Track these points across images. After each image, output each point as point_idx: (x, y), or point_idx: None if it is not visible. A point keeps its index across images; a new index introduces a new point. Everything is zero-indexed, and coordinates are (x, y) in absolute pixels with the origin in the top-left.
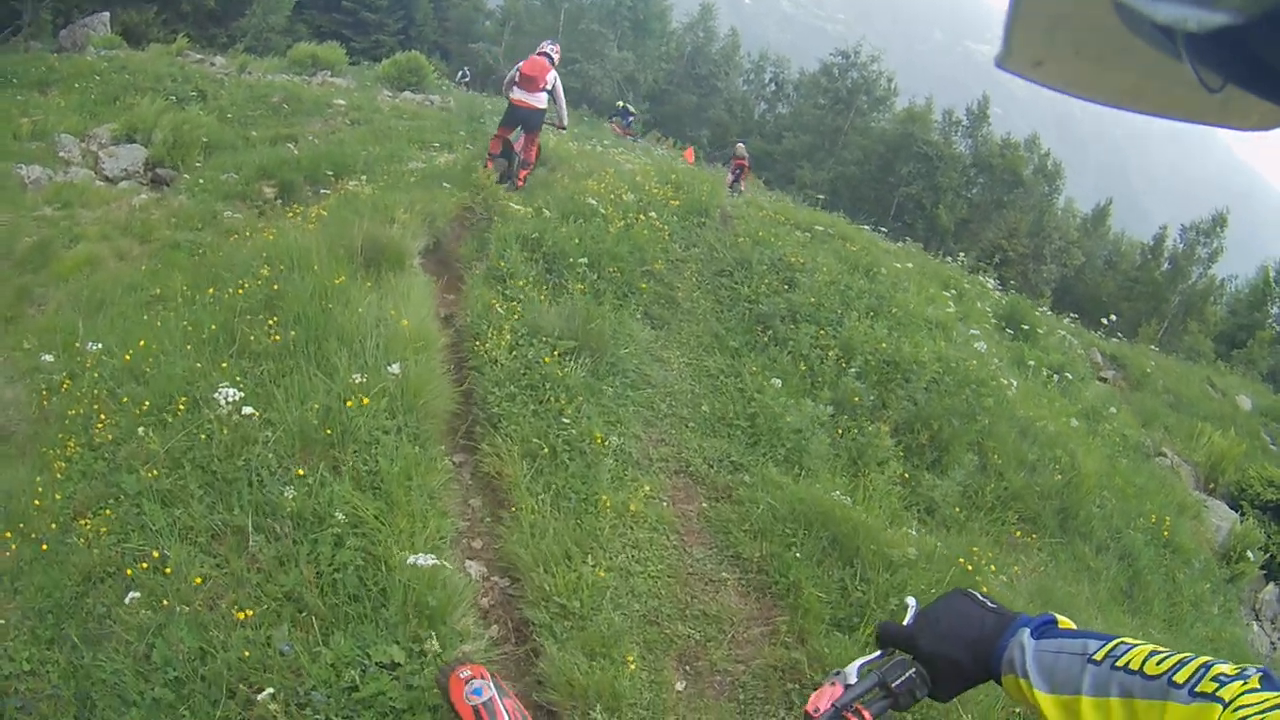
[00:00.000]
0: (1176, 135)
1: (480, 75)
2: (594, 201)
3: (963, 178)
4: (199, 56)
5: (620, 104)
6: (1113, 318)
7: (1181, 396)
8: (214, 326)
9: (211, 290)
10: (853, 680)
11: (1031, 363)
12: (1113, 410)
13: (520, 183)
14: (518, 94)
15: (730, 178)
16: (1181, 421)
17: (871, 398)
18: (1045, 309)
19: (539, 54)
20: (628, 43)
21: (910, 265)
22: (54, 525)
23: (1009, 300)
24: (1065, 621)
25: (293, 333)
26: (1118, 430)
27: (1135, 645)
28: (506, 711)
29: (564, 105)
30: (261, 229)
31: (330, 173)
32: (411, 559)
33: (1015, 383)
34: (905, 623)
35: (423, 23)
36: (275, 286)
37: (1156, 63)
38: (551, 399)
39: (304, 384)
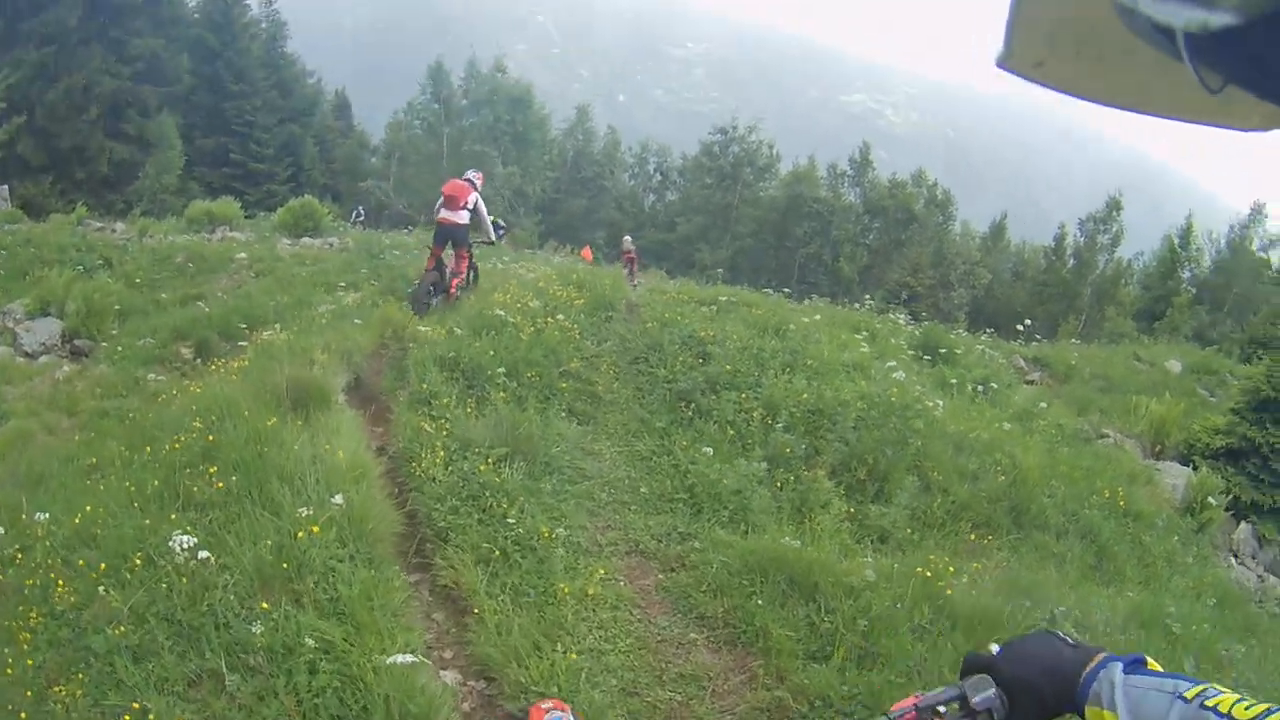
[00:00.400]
0: (1066, 134)
1: (374, 212)
2: (502, 313)
3: (857, 226)
4: (99, 224)
5: (491, 219)
6: (1028, 323)
7: (1111, 379)
8: (156, 483)
9: (148, 449)
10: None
11: (954, 381)
12: (1044, 406)
13: (453, 290)
14: (443, 214)
15: (625, 272)
16: (1116, 401)
17: (803, 446)
18: (961, 331)
19: (463, 179)
20: (511, 158)
21: (818, 318)
22: (29, 693)
23: (923, 330)
24: (1154, 664)
25: (234, 478)
26: (1052, 424)
27: (1225, 691)
28: None
29: (488, 221)
30: (187, 387)
31: (243, 325)
32: (391, 659)
33: (941, 403)
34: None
35: (310, 167)
36: (210, 438)
37: (1157, 63)
38: (494, 504)
39: (253, 525)
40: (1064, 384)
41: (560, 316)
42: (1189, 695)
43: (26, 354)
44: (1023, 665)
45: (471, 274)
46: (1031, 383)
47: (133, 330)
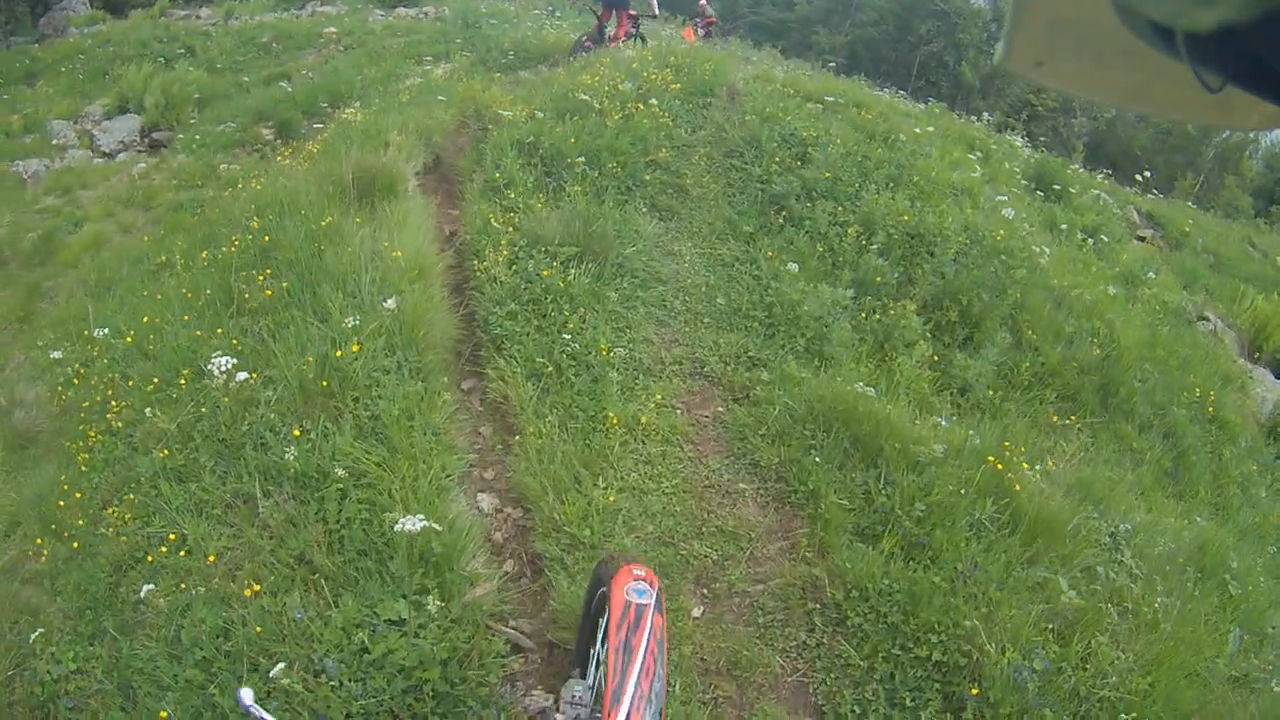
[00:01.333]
0: None
1: None
2: (587, 97)
3: (984, 33)
4: (183, 12)
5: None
6: (1148, 174)
7: (1221, 257)
8: (209, 290)
9: (205, 252)
10: None
11: (1064, 226)
12: (1152, 275)
13: (613, 43)
14: None
15: (701, 34)
16: (1223, 283)
17: (895, 275)
18: (1078, 166)
19: None
20: None
21: (931, 129)
22: (82, 521)
23: (1038, 159)
24: None
25: (284, 284)
26: (1158, 296)
27: None
28: (651, 627)
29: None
30: (255, 178)
31: (326, 103)
32: (400, 523)
33: (1048, 250)
34: None
35: None
36: (266, 238)
37: (1157, 63)
38: (554, 312)
39: (300, 335)
40: (1174, 249)
41: (653, 101)
42: None
43: (105, 154)
44: None
45: (636, 39)
46: (1143, 239)
47: (214, 116)
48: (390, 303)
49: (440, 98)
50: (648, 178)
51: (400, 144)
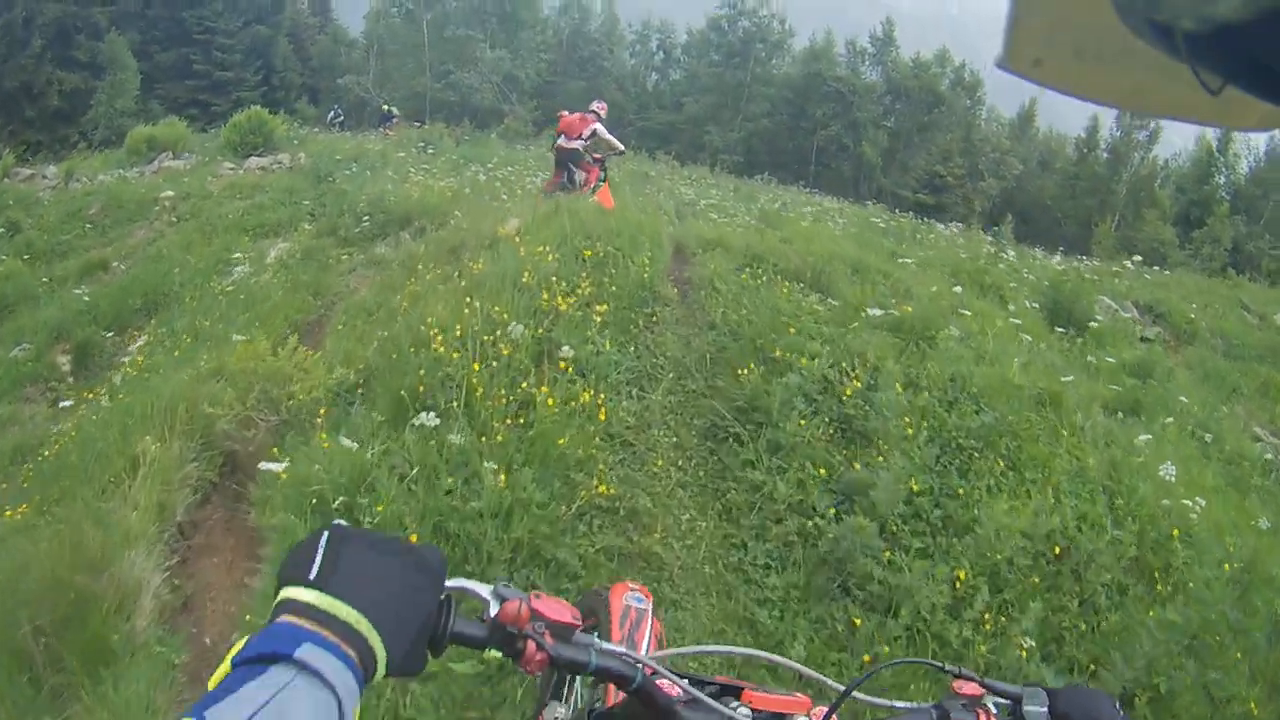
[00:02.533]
0: None
1: (354, 110)
2: (445, 367)
3: (879, 107)
4: (29, 171)
5: (385, 107)
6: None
7: (1229, 337)
8: None
9: None
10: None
11: (1106, 360)
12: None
13: (584, 190)
14: (560, 141)
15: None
16: (1247, 374)
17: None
18: (1006, 241)
19: (588, 111)
20: (500, 40)
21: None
22: None
23: (1051, 279)
24: None
25: None
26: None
27: None
28: (651, 628)
29: (613, 141)
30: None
31: (139, 306)
32: None
33: (1200, 501)
34: None
35: (284, 68)
36: None
37: (1157, 63)
38: None
39: None
40: (1186, 344)
41: (567, 350)
42: None
43: None
44: (1078, 707)
45: (602, 180)
46: (1149, 340)
47: (14, 330)
48: None
49: (237, 338)
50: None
51: (157, 465)
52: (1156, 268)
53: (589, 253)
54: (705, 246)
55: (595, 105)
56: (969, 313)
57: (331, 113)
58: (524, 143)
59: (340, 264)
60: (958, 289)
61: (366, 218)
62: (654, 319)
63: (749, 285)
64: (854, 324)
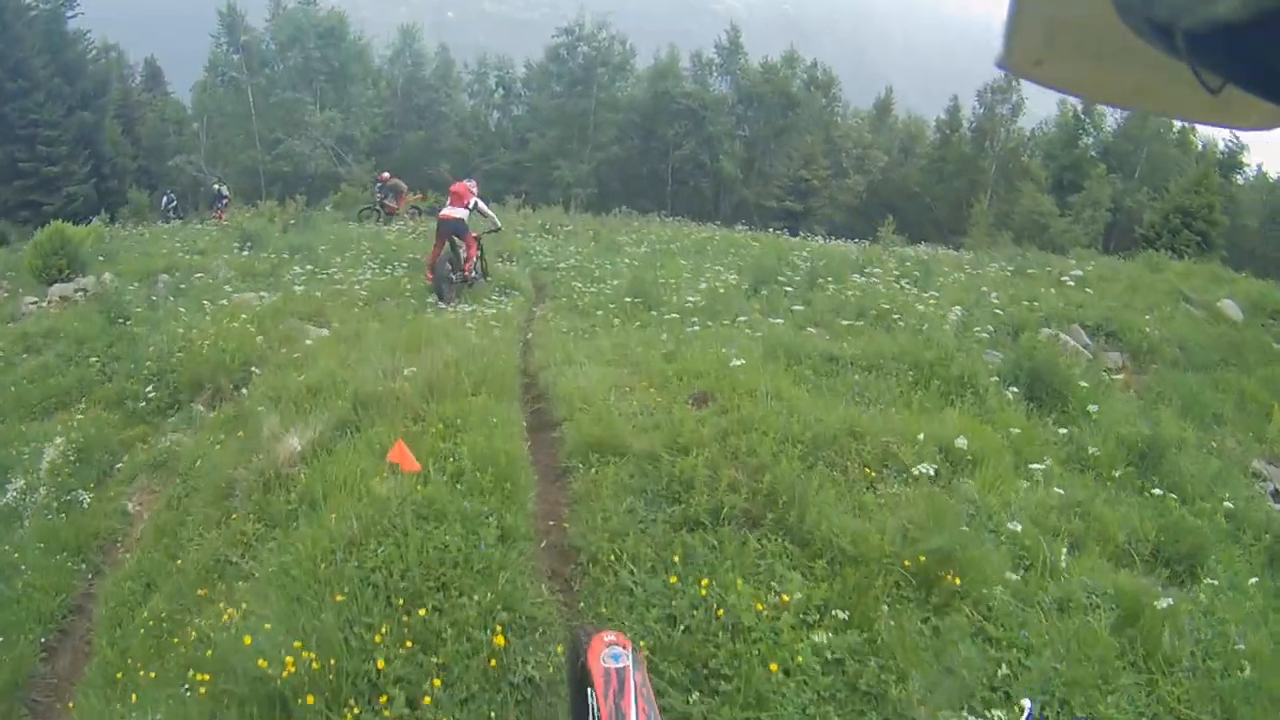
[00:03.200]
0: (903, 13)
1: (189, 192)
2: None
3: (731, 118)
4: None
5: (216, 186)
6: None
7: (1186, 344)
8: None
9: None
10: None
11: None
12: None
13: (467, 270)
14: (446, 210)
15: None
16: (1206, 385)
17: None
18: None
19: (462, 181)
20: (330, 100)
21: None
22: None
23: (1027, 360)
24: None
25: None
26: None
27: None
28: (635, 685)
29: (490, 214)
30: None
31: None
32: None
33: None
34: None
35: (114, 153)
36: None
37: (1157, 62)
38: None
39: None
40: (1149, 364)
41: None
42: None
43: None
44: None
45: (480, 259)
46: (1114, 372)
47: None
48: None
49: None
50: None
51: None
52: (1080, 272)
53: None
54: (589, 449)
55: (468, 182)
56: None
57: (165, 198)
58: (360, 207)
59: (120, 471)
60: (962, 442)
61: (152, 385)
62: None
63: (679, 590)
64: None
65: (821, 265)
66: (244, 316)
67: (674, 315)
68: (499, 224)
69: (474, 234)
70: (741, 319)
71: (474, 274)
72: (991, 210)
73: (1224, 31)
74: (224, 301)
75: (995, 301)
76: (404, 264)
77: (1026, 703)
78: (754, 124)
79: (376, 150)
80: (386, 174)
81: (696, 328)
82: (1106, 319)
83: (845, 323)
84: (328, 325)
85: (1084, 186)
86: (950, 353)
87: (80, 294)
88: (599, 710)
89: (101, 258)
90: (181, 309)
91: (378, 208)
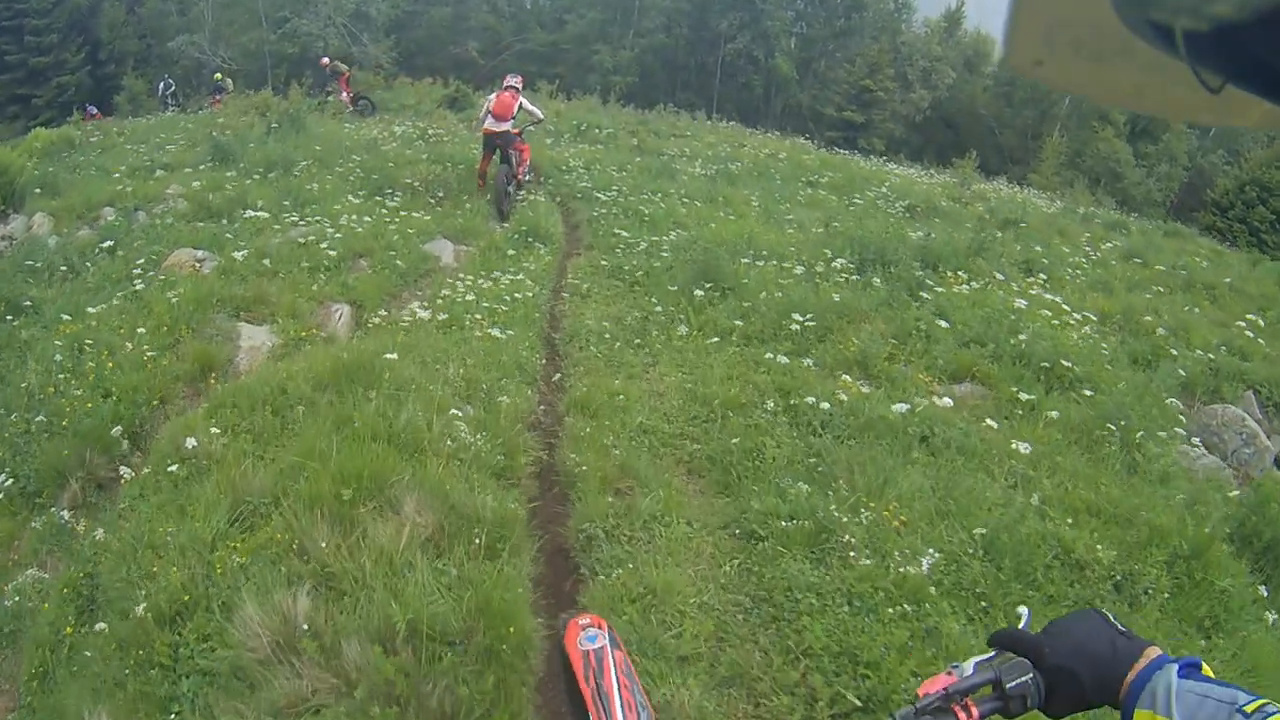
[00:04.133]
0: None
1: (189, 76)
2: None
3: (790, 13)
4: None
5: (216, 77)
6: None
7: None
8: None
9: None
10: (969, 673)
11: None
12: None
13: (520, 175)
14: (489, 124)
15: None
16: None
17: None
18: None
19: (505, 90)
20: None
21: None
22: None
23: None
24: (1208, 669)
25: None
26: None
27: None
28: (615, 664)
29: (536, 110)
30: None
31: None
32: None
33: None
34: (1022, 627)
35: (111, 39)
36: None
37: (1156, 62)
38: None
39: None
40: None
41: None
42: (1249, 709)
43: None
44: (1068, 652)
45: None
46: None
47: None
48: None
49: None
50: None
51: None
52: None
53: None
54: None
55: (514, 80)
56: None
57: (163, 85)
58: (371, 109)
59: None
60: None
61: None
62: None
63: None
64: None
65: (933, 241)
66: (151, 323)
67: (778, 352)
68: (541, 115)
69: (522, 140)
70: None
71: (526, 177)
72: (1062, 147)
73: (1224, 31)
74: (152, 273)
75: (1162, 336)
76: (399, 192)
77: (1023, 609)
78: (814, 21)
79: (396, 27)
80: (326, 59)
81: (811, 365)
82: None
83: (1025, 396)
84: (272, 322)
85: (1162, 139)
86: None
87: (5, 245)
88: (581, 694)
89: (39, 189)
90: (93, 283)
91: (333, 99)
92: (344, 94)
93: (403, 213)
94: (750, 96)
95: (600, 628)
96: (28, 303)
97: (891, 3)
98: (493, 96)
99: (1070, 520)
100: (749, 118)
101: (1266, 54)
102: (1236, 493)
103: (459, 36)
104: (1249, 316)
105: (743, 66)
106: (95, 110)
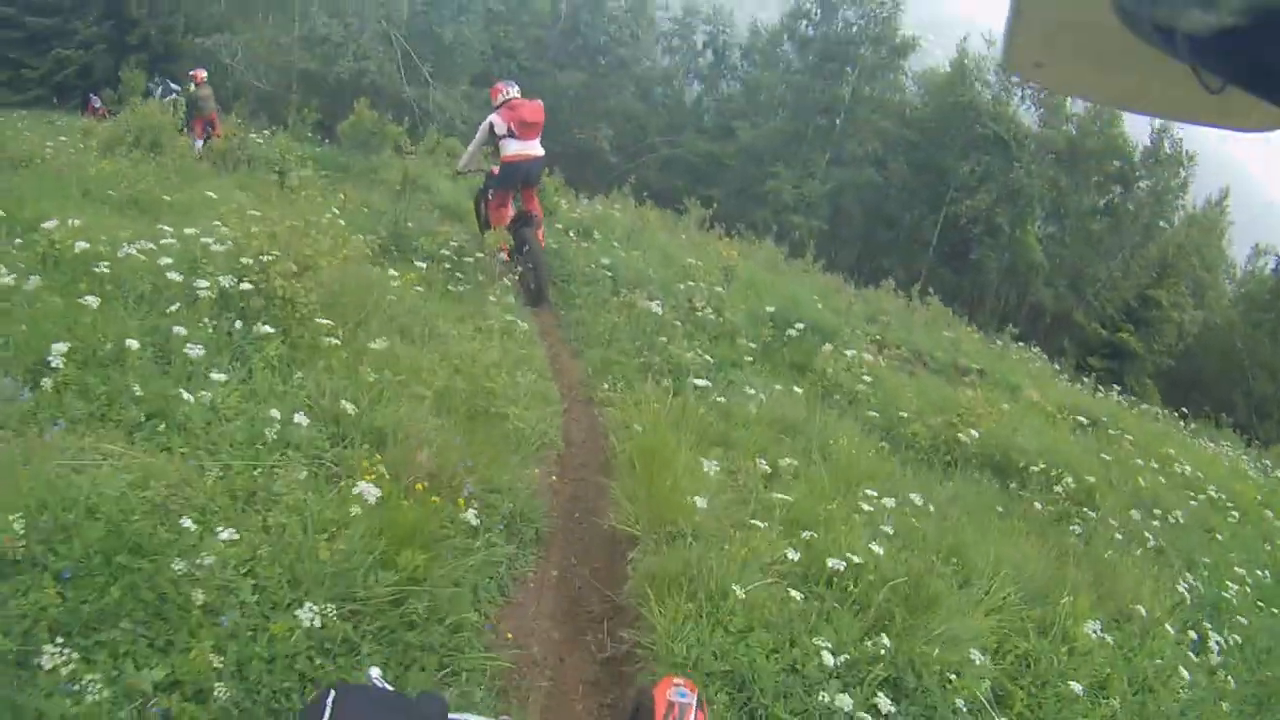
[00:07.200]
0: None
1: (213, 79)
2: None
3: (1050, 171)
4: None
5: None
6: None
7: None
8: None
9: None
10: None
11: None
12: None
13: (540, 240)
14: (518, 148)
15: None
16: None
17: None
18: None
19: (518, 96)
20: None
21: None
22: None
23: None
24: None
25: None
26: None
27: None
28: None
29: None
30: None
31: None
32: None
33: None
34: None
35: (144, 16)
36: None
37: (1157, 64)
38: None
39: None
40: None
41: None
42: None
43: None
44: None
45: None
46: None
47: None
48: None
49: None
50: None
51: None
52: None
53: None
54: None
55: (512, 90)
56: None
57: (161, 89)
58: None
59: None
60: None
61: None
62: None
63: None
64: None
65: None
66: None
67: None
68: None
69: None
70: None
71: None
72: None
73: (1225, 33)
74: None
75: None
76: None
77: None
78: (1070, 195)
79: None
80: (203, 72)
81: None
82: None
83: None
84: None
85: None
86: None
87: None
88: None
89: None
90: None
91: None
92: (197, 133)
93: None
94: (973, 276)
95: (691, 690)
96: None
97: (1169, 179)
98: (510, 97)
99: None
100: (959, 304)
101: (1267, 56)
102: None
103: (589, 117)
104: None
105: (979, 233)
106: (100, 104)
